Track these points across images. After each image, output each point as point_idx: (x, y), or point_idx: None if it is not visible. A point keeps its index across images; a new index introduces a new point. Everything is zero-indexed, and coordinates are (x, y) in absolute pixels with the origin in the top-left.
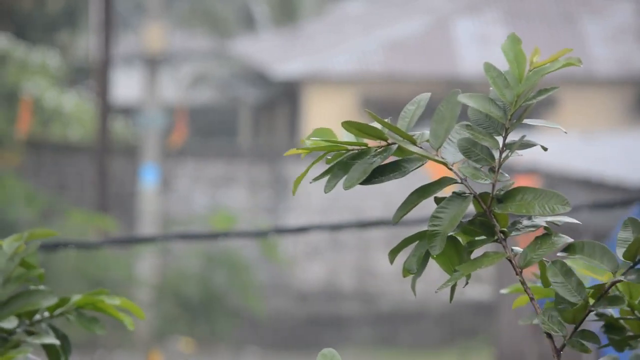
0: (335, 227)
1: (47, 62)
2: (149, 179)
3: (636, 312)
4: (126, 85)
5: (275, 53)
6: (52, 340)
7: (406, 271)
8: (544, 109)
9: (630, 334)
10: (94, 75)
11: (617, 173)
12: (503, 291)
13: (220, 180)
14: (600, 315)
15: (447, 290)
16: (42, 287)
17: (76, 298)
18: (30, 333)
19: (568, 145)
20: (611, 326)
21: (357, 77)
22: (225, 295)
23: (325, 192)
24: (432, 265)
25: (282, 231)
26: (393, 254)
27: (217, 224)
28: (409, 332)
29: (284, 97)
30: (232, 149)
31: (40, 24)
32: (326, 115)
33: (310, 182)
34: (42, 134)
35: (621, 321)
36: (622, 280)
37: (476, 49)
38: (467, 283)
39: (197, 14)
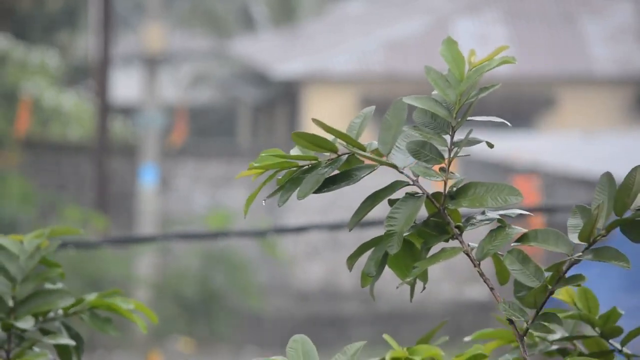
0: (335, 227)
1: (47, 62)
2: (148, 179)
3: (596, 328)
4: (126, 85)
5: (275, 53)
6: (66, 340)
7: (365, 277)
8: (543, 108)
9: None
10: (93, 75)
11: (617, 173)
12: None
13: (220, 180)
14: (563, 351)
15: (447, 289)
16: (59, 285)
17: (90, 298)
18: (43, 331)
19: (568, 145)
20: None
21: (357, 77)
22: (224, 294)
23: (279, 206)
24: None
25: (281, 231)
26: (351, 260)
27: (214, 223)
28: (408, 332)
29: (284, 97)
30: (231, 149)
31: (39, 24)
32: (326, 115)
33: (264, 201)
34: (42, 133)
35: (579, 345)
36: (579, 260)
37: (476, 48)
38: (424, 288)
39: (196, 13)
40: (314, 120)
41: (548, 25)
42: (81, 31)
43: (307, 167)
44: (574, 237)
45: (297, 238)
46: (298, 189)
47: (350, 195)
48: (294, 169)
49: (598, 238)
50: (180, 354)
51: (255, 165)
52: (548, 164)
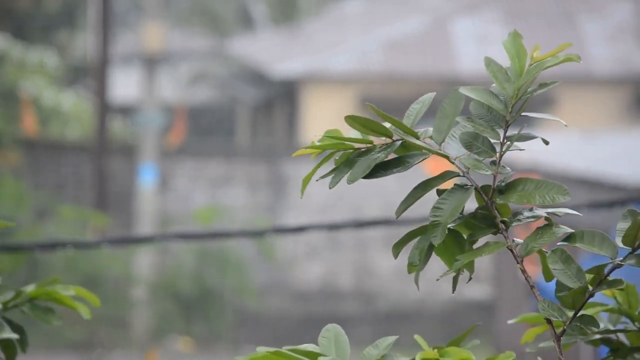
0: (334, 227)
1: (45, 62)
2: (147, 179)
3: (636, 323)
4: (124, 85)
5: (274, 52)
6: (8, 334)
7: (411, 266)
8: (543, 108)
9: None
10: (92, 75)
11: (616, 172)
12: (510, 321)
13: (219, 179)
14: (607, 341)
15: (446, 289)
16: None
17: (29, 289)
18: None
19: (568, 145)
20: (618, 350)
21: (356, 77)
22: (223, 294)
23: (330, 188)
24: (431, 264)
25: (280, 230)
26: (397, 247)
27: (203, 220)
28: (407, 332)
29: (283, 96)
30: (230, 149)
31: (38, 24)
32: (325, 114)
33: (317, 180)
34: (41, 133)
35: (623, 336)
36: (622, 265)
37: (475, 48)
38: (470, 278)
39: (195, 13)
40: (368, 104)
41: (547, 25)
42: (80, 31)
43: (362, 150)
44: (620, 241)
45: (297, 238)
46: (349, 172)
47: (350, 195)
48: (350, 150)
49: None
50: (179, 353)
51: (315, 144)
52: (548, 163)
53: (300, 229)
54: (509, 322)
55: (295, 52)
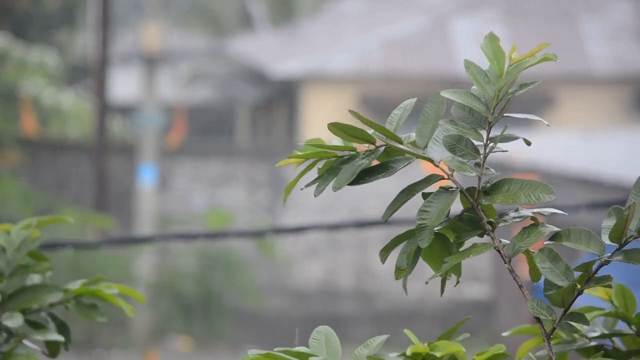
0: (334, 227)
1: (45, 61)
2: (146, 178)
3: (633, 326)
4: (124, 84)
5: (274, 52)
6: (55, 336)
7: (399, 271)
8: (543, 107)
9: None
10: (92, 74)
11: (616, 172)
12: (505, 334)
13: (219, 179)
14: (601, 350)
15: (446, 288)
16: (46, 279)
17: (75, 287)
18: (30, 323)
19: (567, 144)
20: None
21: (356, 76)
22: (222, 294)
23: (315, 196)
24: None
25: (280, 231)
26: (384, 252)
27: (213, 223)
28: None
29: (282, 96)
30: (230, 148)
31: (38, 23)
32: (324, 114)
33: (302, 189)
34: (40, 133)
35: (618, 342)
36: (610, 261)
37: (475, 48)
38: (458, 282)
39: (195, 12)
40: (351, 111)
41: (547, 24)
42: (80, 30)
43: (345, 157)
44: (606, 238)
45: (296, 238)
46: (334, 179)
47: (349, 195)
48: (333, 159)
49: (629, 239)
50: (179, 353)
51: (297, 154)
52: (547, 163)
53: (300, 229)
54: (504, 334)
55: (294, 51)
